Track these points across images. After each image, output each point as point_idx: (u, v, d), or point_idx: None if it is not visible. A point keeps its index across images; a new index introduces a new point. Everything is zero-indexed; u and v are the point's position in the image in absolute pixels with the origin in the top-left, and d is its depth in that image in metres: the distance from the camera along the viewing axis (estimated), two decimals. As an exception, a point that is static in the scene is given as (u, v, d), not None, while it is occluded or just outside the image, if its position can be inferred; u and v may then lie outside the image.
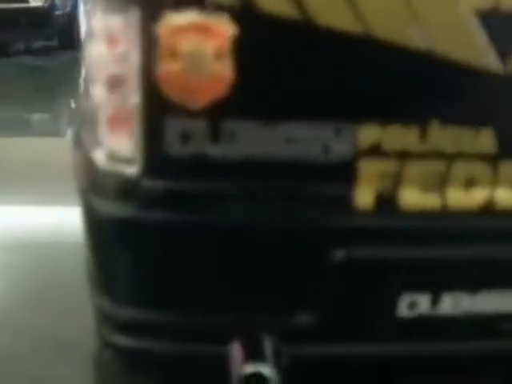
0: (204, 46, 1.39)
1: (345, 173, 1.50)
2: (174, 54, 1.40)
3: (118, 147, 1.50)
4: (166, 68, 1.40)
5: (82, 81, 1.72)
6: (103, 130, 1.52)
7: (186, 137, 1.45)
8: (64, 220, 3.07)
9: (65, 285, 2.55)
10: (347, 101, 1.47)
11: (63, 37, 6.20)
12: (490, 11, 1.44)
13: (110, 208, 1.53)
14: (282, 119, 1.46)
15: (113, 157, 1.51)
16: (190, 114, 1.43)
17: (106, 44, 1.45)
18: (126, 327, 1.66)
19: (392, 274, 1.59)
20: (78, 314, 2.34)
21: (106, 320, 1.70)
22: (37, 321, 2.42)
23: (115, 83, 1.47)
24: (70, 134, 2.39)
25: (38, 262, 2.86)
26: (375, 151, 1.49)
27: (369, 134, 1.48)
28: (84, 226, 1.69)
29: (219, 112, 1.44)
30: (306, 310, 1.59)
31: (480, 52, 1.46)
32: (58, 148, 4.40)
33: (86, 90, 1.60)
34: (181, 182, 1.48)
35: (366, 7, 1.41)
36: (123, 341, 1.67)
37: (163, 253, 1.53)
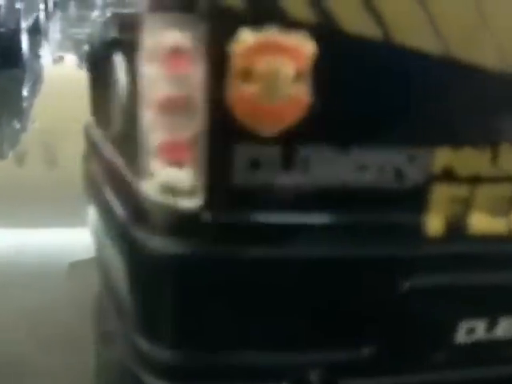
0: (282, 66, 1.27)
1: (417, 199, 1.42)
2: (248, 75, 1.26)
3: (174, 178, 1.35)
4: (239, 90, 1.27)
5: (117, 101, 1.54)
6: (154, 159, 1.36)
7: (255, 165, 1.32)
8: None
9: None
10: (422, 125, 1.39)
11: (5, 55, 5.82)
12: None
13: (163, 244, 1.37)
14: (356, 145, 1.36)
15: (167, 188, 1.36)
16: (261, 140, 1.31)
17: (165, 62, 1.29)
18: (167, 370, 1.51)
19: (454, 301, 1.52)
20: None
21: (143, 362, 1.55)
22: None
23: (173, 106, 1.32)
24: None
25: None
26: (448, 176, 1.42)
27: (442, 158, 1.40)
28: (121, 260, 1.53)
29: (293, 138, 1.32)
30: (367, 343, 1.49)
31: None
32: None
33: (129, 113, 1.44)
34: (247, 214, 1.35)
35: (446, 27, 1.33)
36: None
37: (221, 291, 1.40)
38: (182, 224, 1.36)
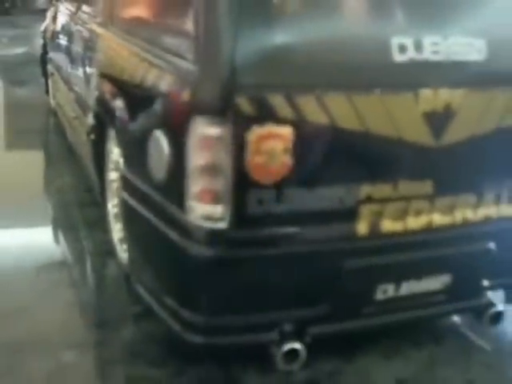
0: (276, 146, 2.19)
1: (351, 214, 2.39)
2: (258, 152, 2.18)
3: (210, 211, 2.25)
4: (253, 160, 2.19)
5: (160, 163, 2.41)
6: (197, 200, 2.25)
7: (260, 202, 2.24)
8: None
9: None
10: (355, 173, 2.36)
11: None
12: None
13: (205, 251, 2.29)
14: (317, 187, 2.31)
15: (206, 217, 2.25)
16: (263, 187, 2.23)
17: (209, 145, 2.19)
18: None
19: (375, 274, 2.51)
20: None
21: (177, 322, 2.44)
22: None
23: (211, 170, 2.22)
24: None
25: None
26: (369, 199, 2.39)
27: (365, 190, 2.37)
28: (169, 264, 2.43)
29: (281, 185, 2.25)
30: (323, 303, 2.46)
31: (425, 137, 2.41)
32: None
33: (174, 172, 2.33)
34: (255, 231, 2.28)
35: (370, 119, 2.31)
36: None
37: (242, 278, 2.32)
38: (215, 238, 2.27)
